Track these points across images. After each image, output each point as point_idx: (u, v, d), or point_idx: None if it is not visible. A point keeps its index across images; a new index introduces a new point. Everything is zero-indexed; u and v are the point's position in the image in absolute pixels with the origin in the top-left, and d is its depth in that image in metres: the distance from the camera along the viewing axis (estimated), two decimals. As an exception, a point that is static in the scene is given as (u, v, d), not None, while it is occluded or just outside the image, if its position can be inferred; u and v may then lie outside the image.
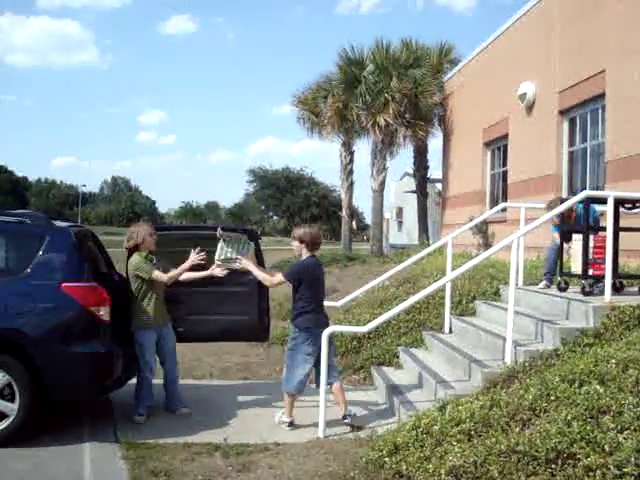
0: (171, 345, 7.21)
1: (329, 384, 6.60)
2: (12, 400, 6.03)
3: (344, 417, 6.65)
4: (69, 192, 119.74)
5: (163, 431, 6.52)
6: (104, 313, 6.31)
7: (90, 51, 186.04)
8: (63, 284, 6.22)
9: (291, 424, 6.70)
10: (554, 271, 8.74)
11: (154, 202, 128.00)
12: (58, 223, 6.90)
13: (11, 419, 6.02)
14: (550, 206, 8.22)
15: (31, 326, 6.10)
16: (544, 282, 8.91)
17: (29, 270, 6.30)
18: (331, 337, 6.66)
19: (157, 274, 6.97)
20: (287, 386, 6.71)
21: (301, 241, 6.77)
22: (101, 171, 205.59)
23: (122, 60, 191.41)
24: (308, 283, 6.67)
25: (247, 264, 6.89)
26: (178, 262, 7.14)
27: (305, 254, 6.79)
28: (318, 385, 6.65)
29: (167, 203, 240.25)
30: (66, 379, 6.20)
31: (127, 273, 7.11)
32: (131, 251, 7.13)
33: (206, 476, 5.32)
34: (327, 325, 6.72)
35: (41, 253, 6.36)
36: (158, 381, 7.30)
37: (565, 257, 8.55)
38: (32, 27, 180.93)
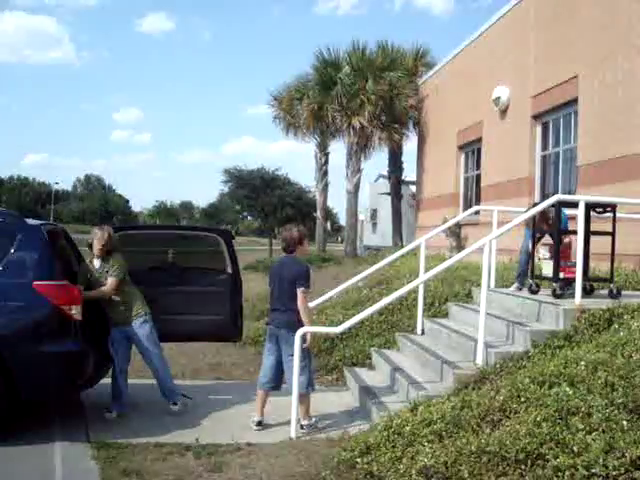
0: (140, 342, 7.06)
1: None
2: (-19, 399, 5.96)
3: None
4: (42, 190, 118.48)
5: (135, 431, 6.48)
6: (76, 312, 6.26)
7: (66, 48, 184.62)
8: (34, 282, 6.16)
9: (260, 424, 6.72)
10: (525, 273, 8.82)
11: (128, 201, 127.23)
12: (30, 221, 6.84)
13: (-20, 418, 5.95)
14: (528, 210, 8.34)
15: (2, 324, 6.03)
16: (516, 284, 8.99)
17: (0, 268, 6.23)
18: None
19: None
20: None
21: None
22: (75, 169, 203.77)
23: (98, 57, 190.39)
24: None
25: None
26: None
27: (292, 254, 6.82)
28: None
29: (141, 202, 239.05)
30: (37, 378, 6.13)
31: None
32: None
33: (178, 476, 5.30)
34: None
35: (12, 251, 6.29)
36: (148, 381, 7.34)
37: (536, 260, 8.62)
38: (7, 23, 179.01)
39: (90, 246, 7.06)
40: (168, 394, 7.19)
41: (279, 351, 6.77)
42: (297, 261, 6.83)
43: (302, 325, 6.56)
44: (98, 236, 7.00)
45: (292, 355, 6.46)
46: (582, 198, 7.61)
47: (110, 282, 6.93)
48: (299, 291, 6.57)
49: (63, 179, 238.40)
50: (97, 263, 7.04)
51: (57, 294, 6.20)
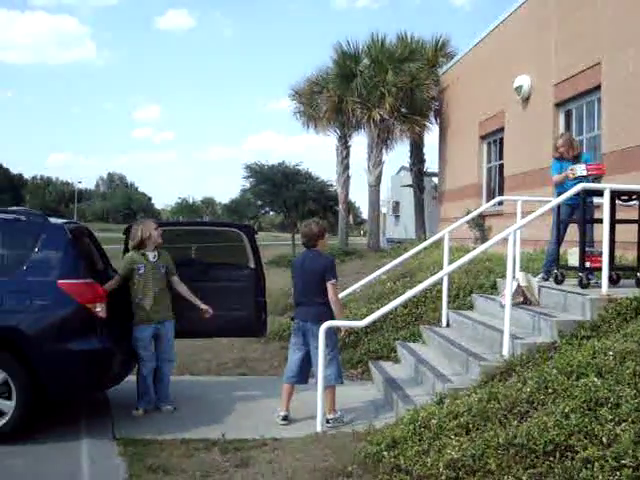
0: (168, 342, 7.20)
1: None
2: (9, 398, 6.01)
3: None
4: (65, 189, 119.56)
5: (161, 427, 6.50)
6: (100, 310, 6.30)
7: (87, 47, 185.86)
8: (59, 281, 6.20)
9: (286, 418, 6.72)
10: (552, 264, 8.72)
11: (150, 198, 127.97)
12: (54, 220, 6.89)
13: (8, 417, 6.01)
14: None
15: (27, 323, 6.08)
16: (541, 275, 8.90)
17: (25, 267, 6.28)
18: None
19: (114, 278, 7.07)
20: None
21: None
22: (97, 168, 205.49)
23: (119, 56, 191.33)
24: None
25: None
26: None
27: (316, 248, 6.85)
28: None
29: (163, 199, 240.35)
30: (63, 376, 6.17)
31: None
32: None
33: (204, 472, 5.31)
34: None
35: (37, 250, 6.34)
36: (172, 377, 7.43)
37: (562, 250, 8.53)
38: (28, 23, 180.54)
39: (143, 240, 7.11)
40: (162, 396, 7.23)
41: (305, 345, 6.77)
42: (321, 254, 6.84)
43: (332, 317, 6.59)
44: (153, 226, 7.13)
45: (317, 348, 6.45)
46: (607, 186, 7.50)
47: (176, 279, 7.22)
48: (329, 284, 6.62)
49: (86, 178, 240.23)
50: (151, 255, 7.13)
51: (82, 292, 6.23)
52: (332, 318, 6.63)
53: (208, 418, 6.82)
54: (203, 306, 7.20)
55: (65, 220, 7.31)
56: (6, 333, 6.06)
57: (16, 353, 6.05)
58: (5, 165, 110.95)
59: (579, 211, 8.00)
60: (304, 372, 6.87)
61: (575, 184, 7.72)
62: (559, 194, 8.08)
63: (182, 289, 7.25)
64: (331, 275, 6.66)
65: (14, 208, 7.24)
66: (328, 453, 5.43)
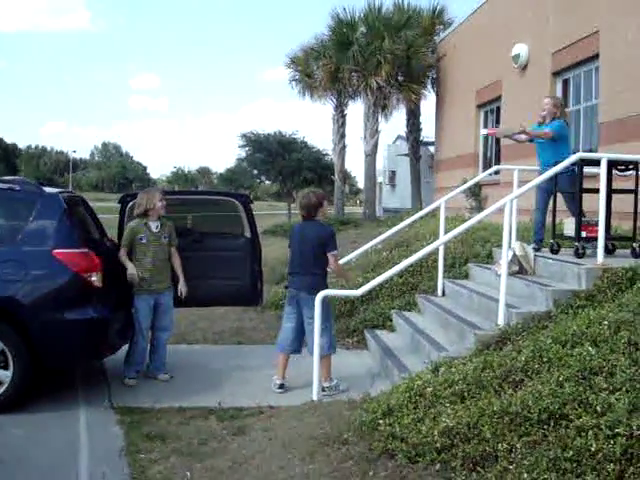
0: (167, 311, 7.22)
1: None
2: (6, 367, 6.03)
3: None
4: (59, 158, 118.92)
5: (157, 396, 6.54)
6: (96, 279, 6.30)
7: (81, 14, 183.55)
8: (54, 250, 6.19)
9: (282, 387, 6.76)
10: (542, 233, 8.70)
11: (145, 168, 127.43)
12: (48, 189, 6.84)
13: (5, 386, 6.03)
14: None
15: (23, 293, 6.08)
16: (533, 245, 8.85)
17: (20, 237, 6.26)
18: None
19: (120, 250, 7.08)
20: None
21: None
22: (92, 137, 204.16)
23: (114, 23, 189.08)
24: None
25: None
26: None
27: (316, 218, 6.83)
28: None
29: (159, 169, 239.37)
30: (59, 345, 6.19)
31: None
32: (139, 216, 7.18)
33: (201, 440, 5.36)
34: None
35: (32, 220, 6.32)
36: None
37: (557, 220, 8.51)
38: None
39: (147, 210, 7.11)
40: (158, 365, 7.29)
41: (299, 314, 6.79)
42: (321, 224, 6.84)
43: (326, 288, 6.64)
44: (158, 197, 7.11)
45: (312, 318, 6.47)
46: (604, 156, 7.48)
47: (173, 250, 7.26)
48: (331, 255, 6.67)
49: (81, 147, 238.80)
50: (154, 225, 7.13)
51: (77, 261, 6.23)
52: (326, 288, 6.64)
53: (205, 386, 6.86)
54: (182, 287, 7.25)
55: (60, 189, 7.27)
56: (2, 303, 6.05)
57: (12, 323, 6.05)
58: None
59: (564, 180, 8.00)
60: (298, 341, 6.90)
61: None
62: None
63: (175, 261, 7.26)
64: (332, 246, 6.68)
65: (9, 178, 7.19)
66: (324, 421, 5.46)
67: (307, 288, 6.64)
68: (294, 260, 6.87)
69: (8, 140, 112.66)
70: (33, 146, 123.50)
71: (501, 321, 6.67)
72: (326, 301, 6.60)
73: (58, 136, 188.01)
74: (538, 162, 8.77)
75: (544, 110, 8.71)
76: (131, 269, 6.93)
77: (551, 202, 8.44)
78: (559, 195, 8.40)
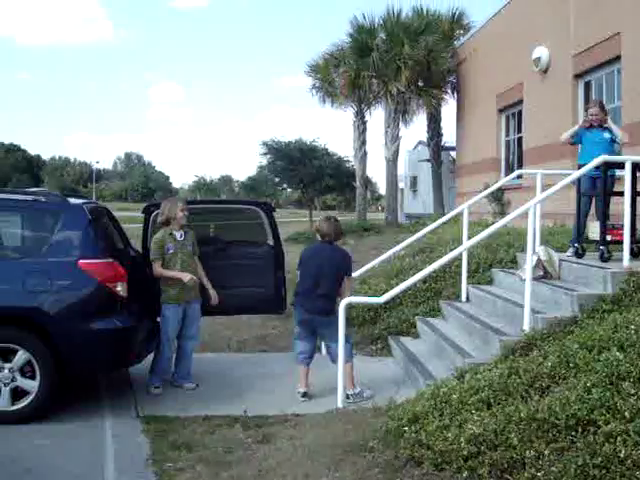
0: (195, 320, 7.24)
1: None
2: (33, 377, 6.09)
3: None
4: (83, 169, 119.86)
5: (183, 405, 6.57)
6: (121, 289, 6.34)
7: (102, 24, 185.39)
8: (79, 261, 6.24)
9: (305, 395, 6.76)
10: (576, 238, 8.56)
11: (168, 177, 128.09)
12: (73, 200, 6.91)
13: (32, 396, 6.09)
14: None
15: (49, 303, 6.14)
16: (572, 249, 8.63)
17: (45, 248, 6.33)
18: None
19: (154, 265, 7.07)
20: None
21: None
22: (115, 147, 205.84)
23: (135, 33, 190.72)
24: None
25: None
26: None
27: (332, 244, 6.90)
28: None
29: (181, 178, 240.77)
30: (85, 355, 6.24)
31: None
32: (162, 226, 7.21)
33: (227, 448, 5.36)
34: None
35: (57, 231, 6.38)
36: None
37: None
38: (44, 3, 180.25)
39: (169, 219, 7.14)
40: (184, 374, 7.31)
41: (311, 334, 6.89)
42: (339, 249, 6.98)
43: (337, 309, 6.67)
44: (180, 207, 7.13)
45: (331, 336, 6.61)
46: (628, 158, 7.40)
47: (196, 259, 7.30)
48: (348, 279, 6.85)
49: (103, 157, 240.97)
50: (178, 234, 7.15)
51: (102, 271, 6.27)
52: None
53: (230, 395, 6.87)
54: (214, 295, 7.30)
55: (84, 200, 7.34)
56: (29, 313, 6.12)
57: (39, 333, 6.11)
58: (23, 147, 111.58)
59: (599, 183, 7.92)
60: (313, 350, 6.99)
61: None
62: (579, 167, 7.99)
63: (200, 270, 7.28)
64: (350, 271, 6.92)
65: (34, 189, 7.27)
66: (349, 428, 5.44)
67: (325, 311, 6.70)
68: (306, 281, 6.81)
69: (32, 152, 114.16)
70: (57, 157, 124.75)
71: (526, 326, 6.61)
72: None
73: (81, 147, 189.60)
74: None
75: (592, 115, 8.57)
76: (184, 276, 6.95)
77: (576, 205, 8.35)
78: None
